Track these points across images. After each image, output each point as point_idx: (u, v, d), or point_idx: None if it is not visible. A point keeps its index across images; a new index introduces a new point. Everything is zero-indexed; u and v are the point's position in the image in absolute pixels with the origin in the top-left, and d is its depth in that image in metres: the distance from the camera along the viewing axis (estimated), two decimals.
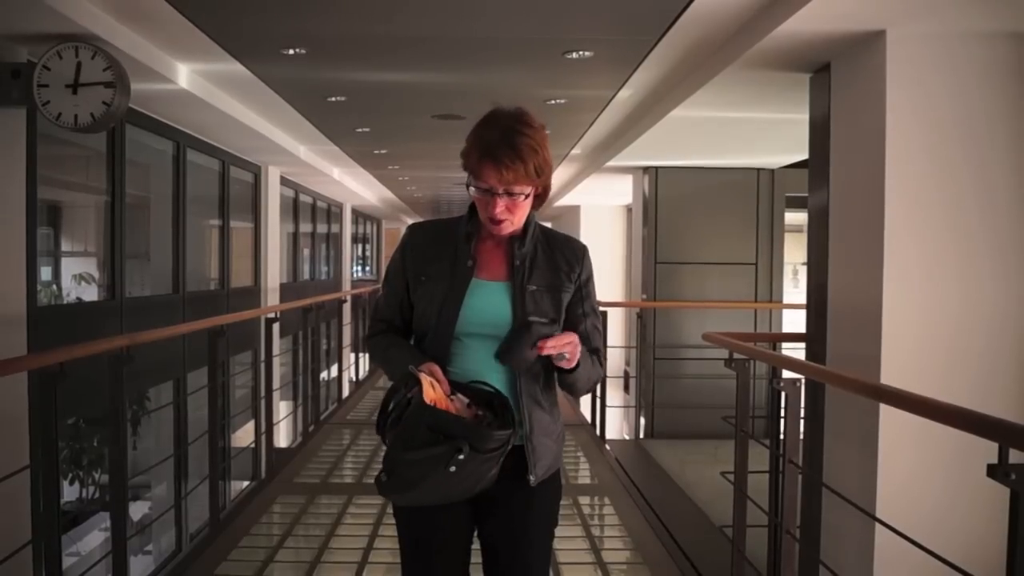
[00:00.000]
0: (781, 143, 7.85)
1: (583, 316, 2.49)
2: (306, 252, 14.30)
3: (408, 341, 2.50)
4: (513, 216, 2.36)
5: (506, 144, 2.26)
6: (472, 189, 2.35)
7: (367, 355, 2.84)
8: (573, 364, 2.33)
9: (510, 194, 2.31)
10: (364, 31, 5.18)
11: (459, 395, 2.25)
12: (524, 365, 2.32)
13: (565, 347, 2.28)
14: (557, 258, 2.47)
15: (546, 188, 2.41)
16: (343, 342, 13.33)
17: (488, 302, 2.40)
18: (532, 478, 2.41)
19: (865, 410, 4.05)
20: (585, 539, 5.42)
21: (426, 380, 2.18)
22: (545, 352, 2.25)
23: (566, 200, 14.42)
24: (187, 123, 7.68)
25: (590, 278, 2.52)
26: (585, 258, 2.52)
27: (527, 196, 2.35)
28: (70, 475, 7.72)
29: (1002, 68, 4.07)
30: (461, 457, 2.14)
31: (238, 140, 8.69)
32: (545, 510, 2.51)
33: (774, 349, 7.31)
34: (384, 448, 2.26)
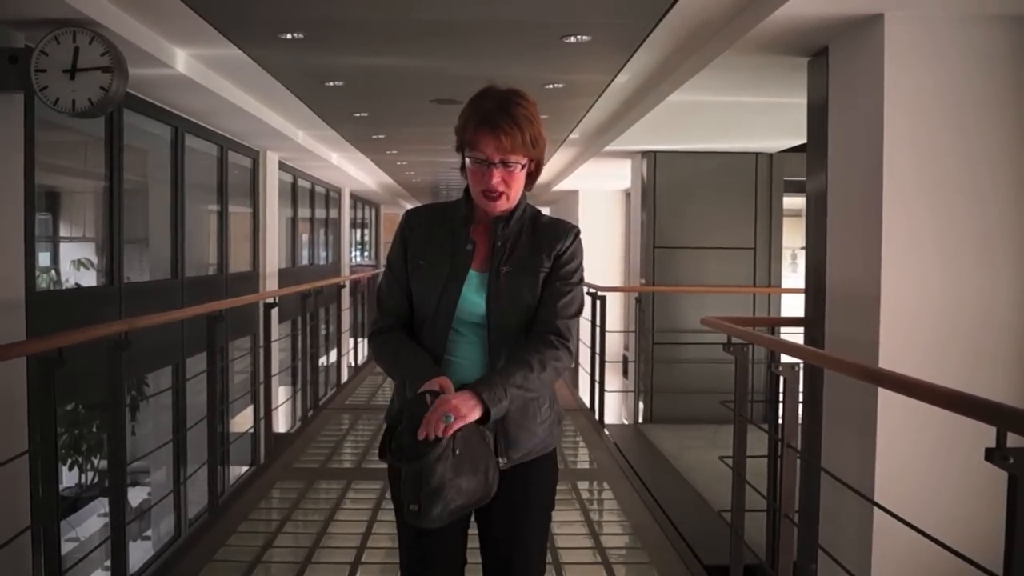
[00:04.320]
0: (779, 127, 7.83)
1: (551, 282, 2.42)
2: (305, 237, 14.28)
3: (416, 345, 2.44)
4: (509, 189, 2.36)
5: (503, 112, 2.29)
6: (468, 161, 2.36)
7: (371, 352, 2.76)
8: (468, 419, 2.18)
9: (506, 164, 2.32)
10: (362, 15, 5.16)
11: None
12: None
13: (438, 423, 2.14)
14: (540, 240, 2.45)
15: (539, 164, 2.42)
16: (342, 327, 13.32)
17: (474, 292, 2.40)
18: (503, 460, 2.38)
19: (864, 394, 4.06)
20: (584, 524, 5.44)
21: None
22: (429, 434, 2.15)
23: (564, 185, 14.39)
24: (185, 108, 7.65)
25: (569, 252, 2.45)
26: (570, 235, 2.47)
27: (523, 167, 2.36)
28: (69, 461, 7.74)
29: (1001, 51, 4.05)
30: (457, 436, 2.17)
31: (236, 125, 8.67)
32: (540, 492, 2.51)
33: (773, 334, 7.32)
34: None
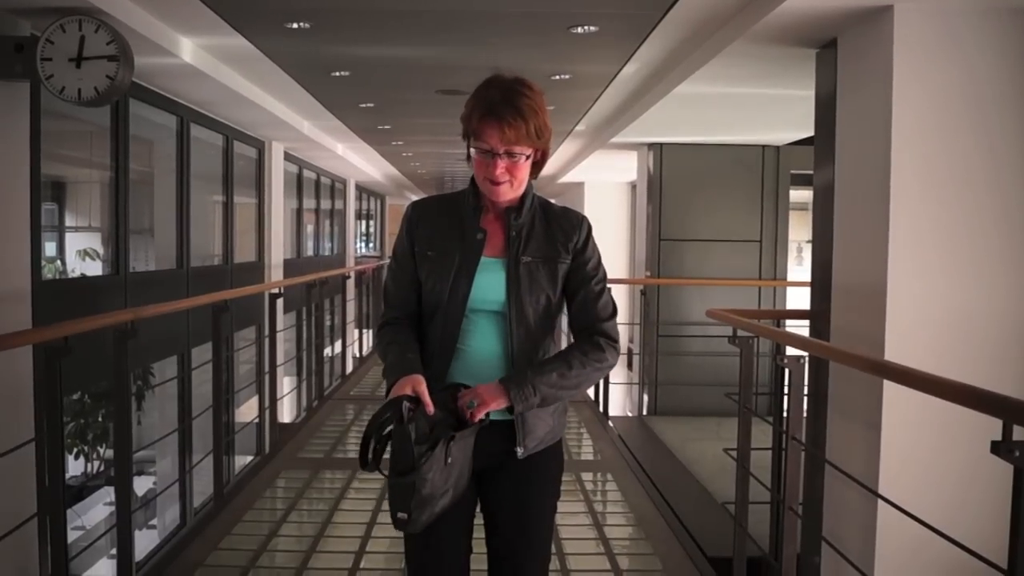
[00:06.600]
0: (787, 119, 7.81)
1: (581, 284, 2.47)
2: (310, 228, 14.29)
3: (412, 337, 2.45)
4: (513, 179, 2.36)
5: (508, 103, 2.28)
6: (472, 151, 2.36)
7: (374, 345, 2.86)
8: (492, 407, 2.28)
9: (510, 155, 2.32)
10: (368, 5, 5.15)
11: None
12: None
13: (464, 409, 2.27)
14: (554, 229, 2.46)
15: (544, 154, 2.42)
16: (347, 318, 13.33)
17: (490, 278, 2.40)
18: (520, 450, 2.41)
19: (868, 387, 4.05)
20: (588, 515, 5.44)
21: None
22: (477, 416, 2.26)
23: (570, 177, 14.38)
24: (191, 98, 7.65)
25: (589, 246, 2.49)
26: (583, 226, 2.49)
27: (527, 158, 2.36)
28: (75, 449, 7.77)
29: (1009, 44, 4.03)
30: (452, 444, 2.19)
31: (242, 115, 8.67)
32: (545, 482, 2.52)
33: (778, 326, 7.30)
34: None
